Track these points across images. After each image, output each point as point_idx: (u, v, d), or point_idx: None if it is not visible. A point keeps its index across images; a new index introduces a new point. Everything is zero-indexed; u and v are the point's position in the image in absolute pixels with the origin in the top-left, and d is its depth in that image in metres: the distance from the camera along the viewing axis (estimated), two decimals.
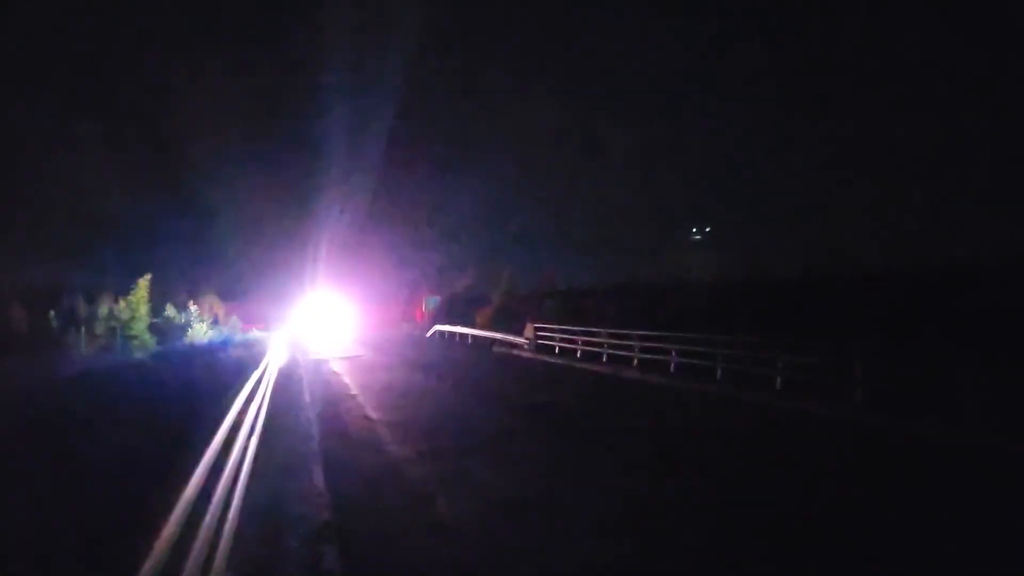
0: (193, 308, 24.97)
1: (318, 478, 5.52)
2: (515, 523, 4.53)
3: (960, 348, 8.21)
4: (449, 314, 34.12)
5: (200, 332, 23.93)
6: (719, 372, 12.15)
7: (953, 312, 9.91)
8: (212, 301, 31.47)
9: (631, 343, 15.34)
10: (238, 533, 3.63)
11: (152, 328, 21.14)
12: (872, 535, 4.23)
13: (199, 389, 8.50)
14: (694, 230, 30.47)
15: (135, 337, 20.01)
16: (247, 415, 5.06)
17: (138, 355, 18.59)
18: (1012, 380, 7.26)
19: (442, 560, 3.93)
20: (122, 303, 20.53)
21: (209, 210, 36.02)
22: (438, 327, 31.92)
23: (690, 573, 3.77)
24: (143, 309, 20.62)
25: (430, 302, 36.11)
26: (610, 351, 16.25)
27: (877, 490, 5.41)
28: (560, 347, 19.36)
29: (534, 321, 22.43)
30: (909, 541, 4.19)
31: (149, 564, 1.90)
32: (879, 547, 4.04)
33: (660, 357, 14.05)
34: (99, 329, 20.14)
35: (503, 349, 22.52)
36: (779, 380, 10.75)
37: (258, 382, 6.85)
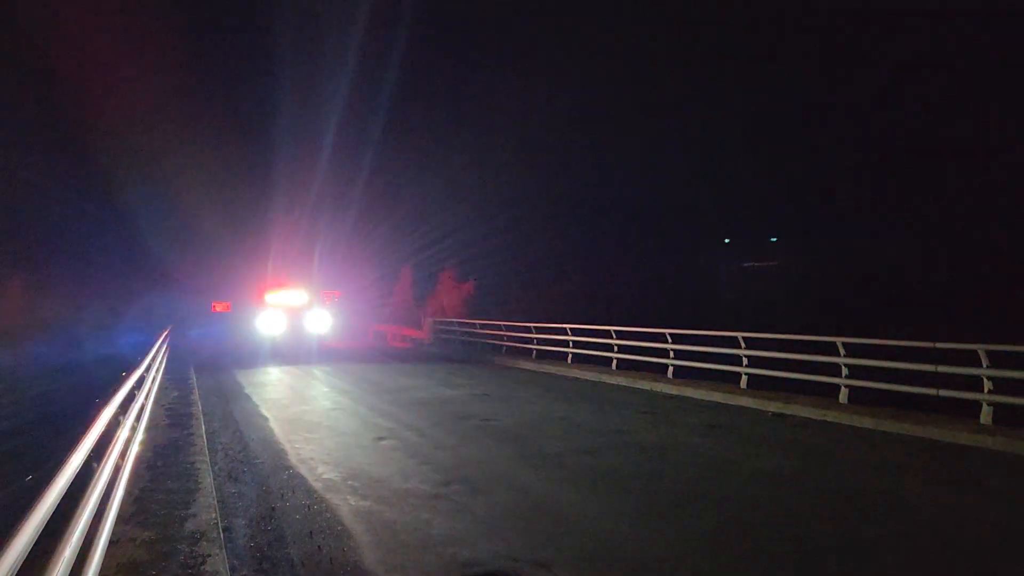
0: None
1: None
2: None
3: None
4: (351, 310, 32.83)
5: None
6: (614, 362, 12.56)
7: None
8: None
9: (530, 335, 15.45)
10: None
11: None
12: None
13: None
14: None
15: None
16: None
17: None
18: None
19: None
20: None
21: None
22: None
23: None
24: None
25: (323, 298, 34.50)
26: (509, 343, 16.31)
27: None
28: (462, 340, 19.16)
29: (433, 315, 22.13)
30: None
31: None
32: None
33: (558, 349, 14.27)
34: None
35: (401, 343, 21.98)
36: (671, 370, 11.28)
37: None
